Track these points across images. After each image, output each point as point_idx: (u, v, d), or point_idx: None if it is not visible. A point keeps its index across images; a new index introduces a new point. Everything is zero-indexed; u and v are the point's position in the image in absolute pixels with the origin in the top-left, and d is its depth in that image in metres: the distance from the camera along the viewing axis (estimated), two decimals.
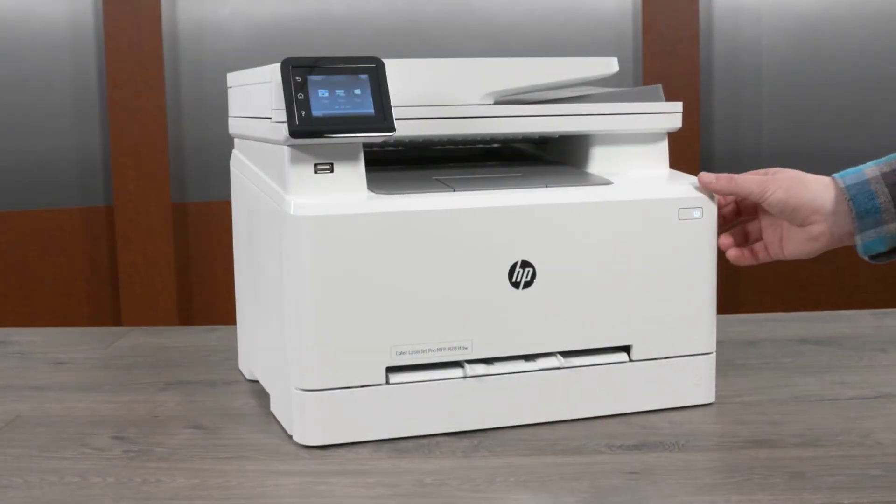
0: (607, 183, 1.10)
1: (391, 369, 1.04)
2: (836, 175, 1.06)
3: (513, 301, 1.05)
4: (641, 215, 1.09)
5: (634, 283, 1.09)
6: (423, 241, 1.02)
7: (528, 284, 1.05)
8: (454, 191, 1.05)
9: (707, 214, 1.10)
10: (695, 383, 1.14)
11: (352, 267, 1.01)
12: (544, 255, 1.06)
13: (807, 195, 1.05)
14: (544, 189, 1.07)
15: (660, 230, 1.09)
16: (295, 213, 1.00)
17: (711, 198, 1.11)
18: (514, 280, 1.05)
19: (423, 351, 1.04)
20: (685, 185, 1.11)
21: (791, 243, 1.09)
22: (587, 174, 1.15)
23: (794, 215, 1.06)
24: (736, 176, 1.10)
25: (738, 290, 2.61)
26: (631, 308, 1.10)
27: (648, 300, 1.10)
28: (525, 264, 1.05)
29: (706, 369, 1.14)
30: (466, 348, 1.05)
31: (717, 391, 1.15)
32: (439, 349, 1.05)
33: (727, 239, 1.15)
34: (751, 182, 1.08)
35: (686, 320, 1.12)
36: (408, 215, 1.01)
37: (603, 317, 1.09)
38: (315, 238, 1.00)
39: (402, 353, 1.03)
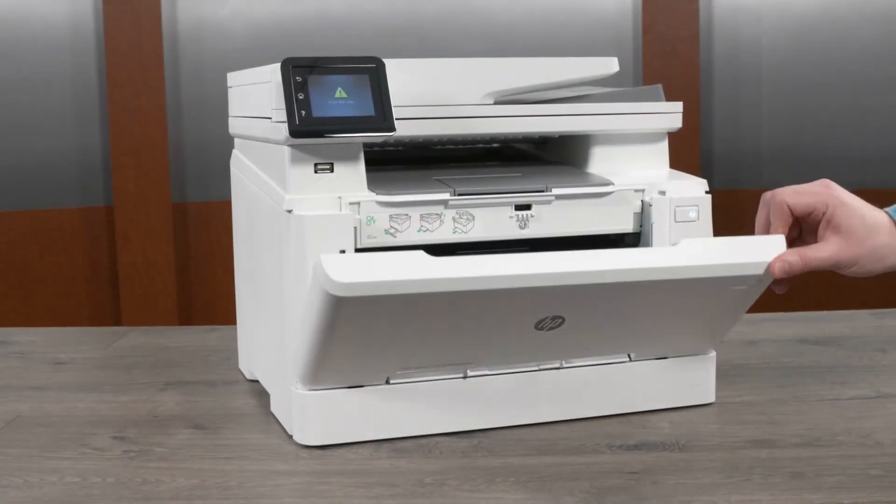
0: (607, 183, 1.10)
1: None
2: None
3: (531, 338, 1.03)
4: (699, 288, 1.03)
5: (660, 320, 1.07)
6: (450, 302, 0.96)
7: (552, 328, 1.03)
8: (454, 192, 1.05)
9: (763, 282, 1.04)
10: (695, 383, 1.14)
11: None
12: (581, 312, 1.01)
13: (885, 265, 1.02)
14: (593, 255, 0.99)
15: (712, 297, 1.05)
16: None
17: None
18: (539, 327, 1.02)
19: (427, 367, 1.05)
20: (752, 255, 1.02)
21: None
22: (587, 174, 1.15)
23: (868, 276, 1.04)
24: (808, 256, 1.02)
25: None
26: (647, 333, 1.09)
27: (668, 327, 1.09)
28: (556, 318, 1.01)
29: (706, 369, 1.14)
30: (471, 363, 1.06)
31: (717, 391, 1.15)
32: (445, 365, 1.05)
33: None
34: (824, 261, 1.03)
35: (697, 332, 1.12)
36: (438, 282, 0.93)
37: (616, 340, 1.09)
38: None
39: (405, 368, 1.04)
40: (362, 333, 0.97)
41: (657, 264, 0.99)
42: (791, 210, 1.04)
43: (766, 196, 1.07)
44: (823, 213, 1.03)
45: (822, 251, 1.02)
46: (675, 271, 0.99)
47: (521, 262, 0.96)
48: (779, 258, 1.02)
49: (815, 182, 1.06)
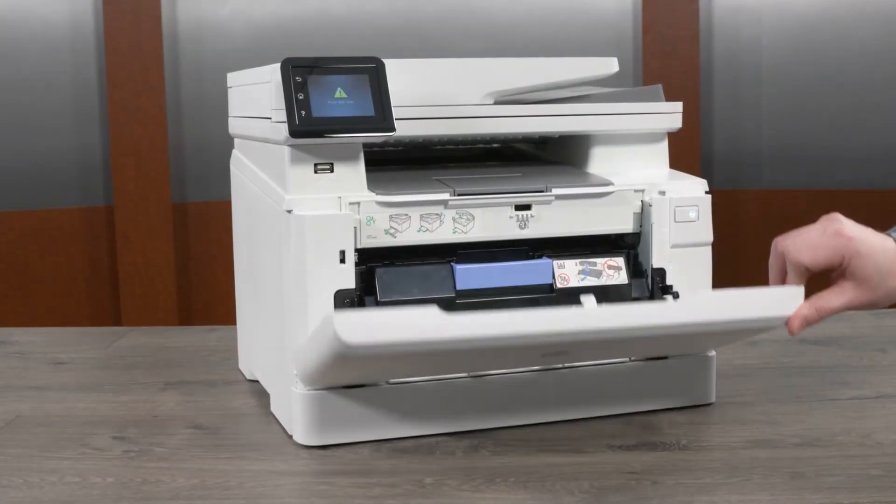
0: (607, 183, 1.10)
1: None
2: None
3: (533, 361, 1.04)
4: (715, 335, 1.03)
5: (667, 346, 1.08)
6: (459, 351, 0.95)
7: (556, 356, 1.03)
8: (454, 192, 1.05)
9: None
10: (695, 383, 1.14)
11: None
12: (589, 350, 1.02)
13: (892, 299, 1.02)
14: (608, 311, 0.99)
15: (725, 339, 1.06)
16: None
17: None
18: (543, 356, 1.02)
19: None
20: (772, 309, 1.00)
21: None
22: (587, 174, 1.15)
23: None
24: (823, 308, 1.01)
25: None
26: (652, 351, 1.10)
27: (675, 349, 1.10)
28: (560, 352, 1.01)
29: (706, 369, 1.14)
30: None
31: (717, 391, 1.15)
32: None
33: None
34: (839, 310, 1.01)
35: (702, 348, 1.13)
36: (450, 342, 0.92)
37: (619, 354, 1.10)
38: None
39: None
40: (368, 367, 0.98)
41: (676, 320, 0.97)
42: (808, 268, 1.01)
43: (779, 246, 1.03)
44: (840, 264, 1.01)
45: (837, 301, 1.01)
46: (694, 326, 0.98)
47: (535, 319, 0.93)
48: (795, 315, 1.00)
49: (825, 225, 1.01)
